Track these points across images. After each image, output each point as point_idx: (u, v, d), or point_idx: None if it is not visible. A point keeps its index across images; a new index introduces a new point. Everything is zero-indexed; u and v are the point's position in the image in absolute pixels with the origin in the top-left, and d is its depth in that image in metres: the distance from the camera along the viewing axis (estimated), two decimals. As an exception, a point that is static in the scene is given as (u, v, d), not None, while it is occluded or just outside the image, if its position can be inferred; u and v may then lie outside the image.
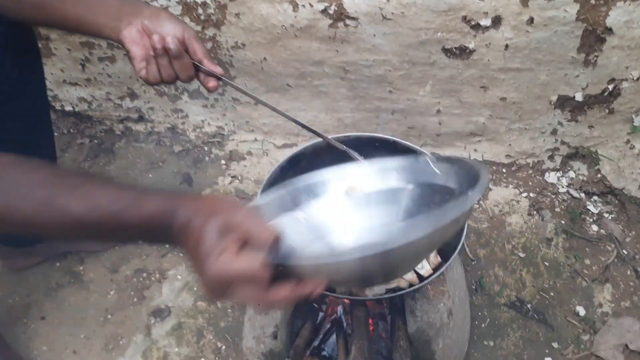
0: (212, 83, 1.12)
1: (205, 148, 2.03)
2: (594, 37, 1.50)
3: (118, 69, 1.89)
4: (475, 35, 1.53)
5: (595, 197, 1.83)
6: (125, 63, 1.84)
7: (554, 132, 1.78)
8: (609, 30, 1.48)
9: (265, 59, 1.72)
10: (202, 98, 1.93)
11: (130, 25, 1.03)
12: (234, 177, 1.93)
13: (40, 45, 1.83)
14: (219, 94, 1.90)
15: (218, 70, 1.10)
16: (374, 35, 1.57)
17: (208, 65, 1.09)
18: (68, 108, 2.06)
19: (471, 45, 1.56)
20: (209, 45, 1.73)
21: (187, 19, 1.67)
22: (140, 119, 2.07)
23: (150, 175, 1.95)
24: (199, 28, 1.68)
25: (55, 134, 2.07)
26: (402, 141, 1.38)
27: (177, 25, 1.05)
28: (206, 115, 2.00)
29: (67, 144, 2.05)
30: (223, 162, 1.98)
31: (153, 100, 1.98)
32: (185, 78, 1.09)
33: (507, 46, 1.54)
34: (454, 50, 1.58)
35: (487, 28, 1.51)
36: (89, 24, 1.03)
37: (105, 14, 1.02)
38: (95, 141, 2.07)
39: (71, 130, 2.10)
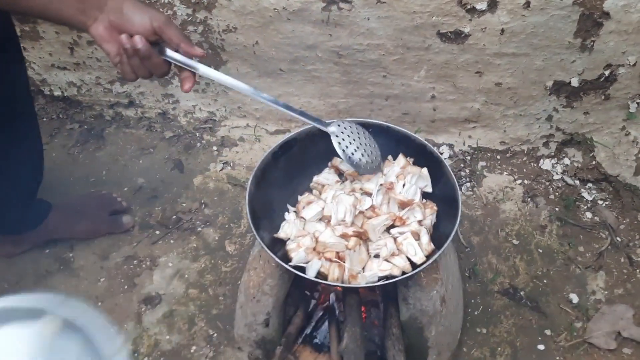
0: (186, 86, 1.08)
1: (197, 134, 2.00)
2: (590, 21, 1.48)
3: (107, 53, 1.85)
4: (470, 19, 1.51)
5: (590, 184, 1.82)
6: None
7: (549, 118, 1.77)
8: (606, 15, 1.46)
9: (257, 43, 1.69)
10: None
11: (97, 21, 0.98)
12: (225, 163, 1.91)
13: (27, 28, 1.80)
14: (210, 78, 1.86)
15: (197, 52, 1.05)
16: (368, 18, 1.54)
17: (186, 48, 1.04)
18: (57, 93, 2.03)
19: (466, 30, 1.53)
20: (200, 28, 1.70)
21: (177, 2, 1.64)
22: (131, 104, 2.04)
23: (140, 162, 1.93)
24: (189, 11, 1.65)
25: (44, 119, 2.05)
26: (396, 127, 1.37)
27: (144, 16, 1.00)
28: (197, 100, 1.98)
29: (56, 130, 2.02)
30: (215, 148, 1.96)
31: (143, 84, 1.95)
32: (160, 74, 1.06)
33: (502, 30, 1.52)
34: (449, 34, 1.56)
35: (482, 12, 1.49)
36: (56, 17, 0.99)
37: (69, 7, 0.97)
38: (85, 127, 2.04)
39: (60, 116, 2.07)
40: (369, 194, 1.30)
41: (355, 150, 1.26)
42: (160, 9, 1.66)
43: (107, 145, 1.98)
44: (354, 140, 1.26)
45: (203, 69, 1.08)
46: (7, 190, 1.38)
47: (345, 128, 1.26)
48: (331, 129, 1.24)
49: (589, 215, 1.75)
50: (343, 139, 1.24)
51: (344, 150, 1.23)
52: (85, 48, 1.84)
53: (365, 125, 1.33)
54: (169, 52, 1.05)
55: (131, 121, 2.05)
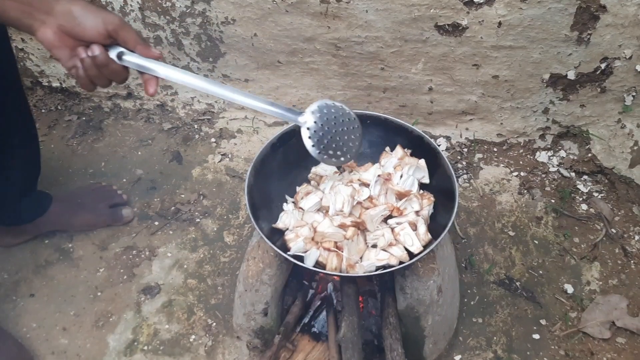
0: (151, 89, 1.02)
1: (195, 126, 2.01)
2: (587, 14, 1.49)
3: (106, 44, 1.85)
4: (468, 12, 1.52)
5: (586, 177, 1.84)
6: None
7: (545, 111, 1.78)
8: (603, 8, 1.47)
9: (255, 34, 1.69)
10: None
11: (44, 25, 0.93)
12: (224, 155, 1.92)
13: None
14: (208, 70, 1.87)
15: (154, 54, 1.00)
16: (366, 11, 1.55)
17: (142, 51, 0.99)
18: (55, 84, 2.03)
19: (464, 22, 1.54)
20: (199, 20, 1.70)
21: (175, -7, 1.64)
22: (129, 95, 2.04)
23: (139, 153, 1.93)
24: (188, 3, 1.66)
25: (43, 110, 2.05)
26: (394, 119, 1.37)
27: (97, 19, 0.94)
28: (195, 92, 1.98)
29: (54, 121, 2.03)
30: (213, 140, 1.97)
31: (142, 76, 1.95)
32: (119, 81, 1.02)
33: (500, 23, 1.53)
34: (447, 27, 1.56)
35: (480, 5, 1.49)
36: (1, 19, 0.93)
37: (13, 9, 0.91)
38: (84, 118, 2.04)
39: (59, 107, 2.07)
40: (367, 185, 1.31)
41: (328, 142, 1.16)
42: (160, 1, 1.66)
43: (106, 137, 1.99)
44: (329, 128, 1.16)
45: (163, 72, 1.02)
46: (4, 181, 1.38)
47: (319, 115, 1.15)
48: (303, 119, 1.14)
49: (584, 207, 1.77)
50: (315, 131, 1.14)
51: (313, 145, 1.14)
52: (84, 39, 1.84)
53: (363, 117, 1.33)
54: (127, 57, 0.99)
55: (130, 113, 2.05)
